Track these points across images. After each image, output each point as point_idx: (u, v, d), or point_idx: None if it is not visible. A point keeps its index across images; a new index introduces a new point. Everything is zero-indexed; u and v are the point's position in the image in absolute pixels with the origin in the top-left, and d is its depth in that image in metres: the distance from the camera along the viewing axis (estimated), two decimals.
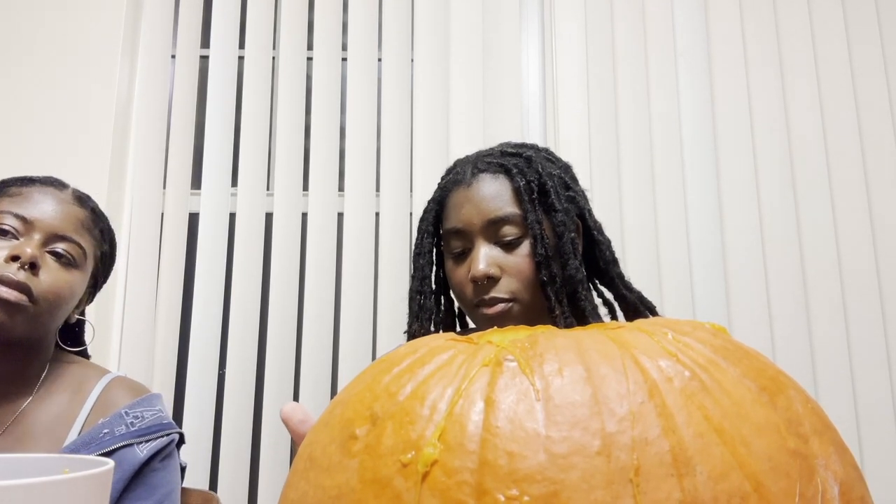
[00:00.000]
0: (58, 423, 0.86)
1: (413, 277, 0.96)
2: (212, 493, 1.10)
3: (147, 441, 0.86)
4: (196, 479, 1.56)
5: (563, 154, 1.02)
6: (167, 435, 0.89)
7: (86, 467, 0.36)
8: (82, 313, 0.98)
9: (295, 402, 0.47)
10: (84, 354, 1.00)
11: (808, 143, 1.80)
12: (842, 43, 1.85)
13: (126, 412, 0.87)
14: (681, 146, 1.79)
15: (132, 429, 0.86)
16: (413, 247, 0.98)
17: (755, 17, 1.86)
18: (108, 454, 0.83)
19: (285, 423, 0.46)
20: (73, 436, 0.85)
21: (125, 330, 1.61)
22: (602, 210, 1.71)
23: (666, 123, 1.80)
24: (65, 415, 0.87)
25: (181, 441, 0.93)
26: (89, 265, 0.90)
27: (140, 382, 0.96)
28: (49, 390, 0.88)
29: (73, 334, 0.97)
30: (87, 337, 1.01)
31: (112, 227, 0.98)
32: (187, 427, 1.59)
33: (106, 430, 0.85)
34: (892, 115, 1.83)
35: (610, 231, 1.00)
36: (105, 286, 1.64)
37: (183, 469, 0.94)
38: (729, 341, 0.35)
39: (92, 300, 0.98)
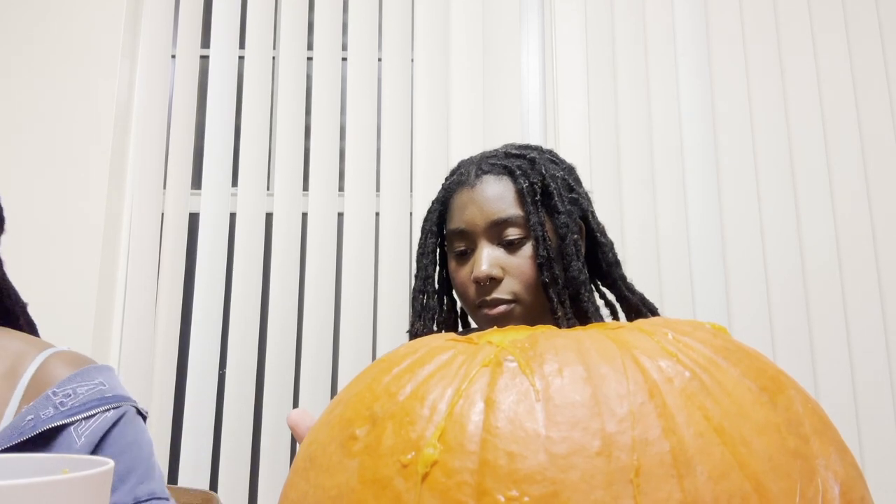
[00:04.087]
0: None
1: (416, 277, 0.96)
2: (212, 493, 1.09)
3: (86, 419, 0.74)
4: (196, 479, 1.56)
5: (563, 154, 1.02)
6: (114, 409, 0.76)
7: (85, 467, 0.36)
8: None
9: (302, 409, 0.47)
10: (24, 314, 0.89)
11: (808, 143, 1.80)
12: (842, 43, 1.85)
13: (54, 391, 0.74)
14: (681, 146, 1.79)
15: (62, 409, 0.73)
16: (415, 247, 0.98)
17: (755, 17, 1.86)
18: (33, 443, 0.71)
19: (293, 429, 0.46)
20: (4, 424, 0.74)
21: (125, 330, 1.60)
22: (602, 210, 1.70)
23: (666, 124, 1.80)
24: None
25: (141, 417, 0.81)
26: None
27: (87, 356, 0.83)
28: None
29: None
30: (47, 321, 0.88)
31: None
32: (187, 427, 1.59)
33: (30, 416, 0.72)
34: (892, 115, 1.83)
35: (610, 231, 1.00)
36: (105, 285, 1.64)
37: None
38: (729, 341, 0.35)
39: None
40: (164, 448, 1.57)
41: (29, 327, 0.89)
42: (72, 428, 0.73)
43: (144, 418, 0.83)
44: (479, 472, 0.28)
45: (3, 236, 0.81)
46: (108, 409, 0.76)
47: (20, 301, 0.89)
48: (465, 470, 0.28)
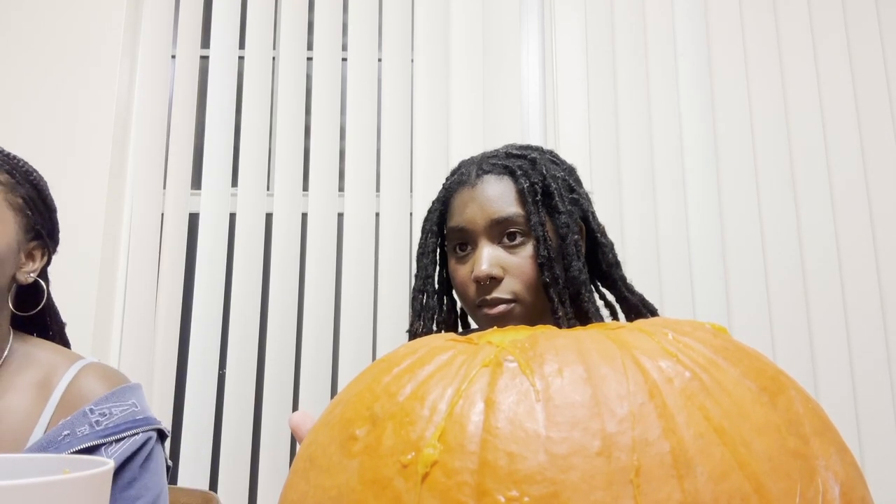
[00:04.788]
0: (20, 421, 0.76)
1: (416, 277, 0.96)
2: (212, 493, 1.10)
3: (117, 441, 0.76)
4: (196, 479, 1.56)
5: (563, 154, 1.02)
6: (143, 432, 0.79)
7: (86, 467, 0.36)
8: (41, 276, 0.85)
9: (303, 411, 0.47)
10: (61, 333, 0.91)
11: (808, 142, 1.80)
12: (842, 43, 1.85)
13: (91, 409, 0.77)
14: (681, 146, 1.79)
15: (97, 428, 0.76)
16: (416, 246, 0.98)
17: (755, 17, 1.86)
18: None
19: (295, 431, 0.46)
20: (36, 436, 0.75)
21: (125, 330, 1.61)
22: (602, 210, 1.71)
23: (666, 123, 1.80)
24: (28, 410, 0.77)
25: (163, 436, 0.84)
26: (7, 215, 0.79)
27: (117, 370, 0.85)
28: (10, 382, 0.78)
29: (33, 300, 0.84)
30: (61, 313, 0.90)
31: (30, 168, 0.83)
32: (187, 427, 1.59)
33: (67, 432, 0.75)
34: (892, 115, 1.83)
35: (610, 232, 1.00)
36: (105, 285, 1.63)
37: (168, 469, 0.85)
38: (729, 341, 0.35)
39: (48, 258, 0.86)
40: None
41: (64, 342, 0.91)
42: (103, 448, 0.75)
43: (165, 437, 0.85)
44: (480, 472, 0.28)
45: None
46: (136, 433, 0.78)
47: (59, 321, 0.91)
48: (465, 470, 0.28)
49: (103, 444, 0.75)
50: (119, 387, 0.81)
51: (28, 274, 0.81)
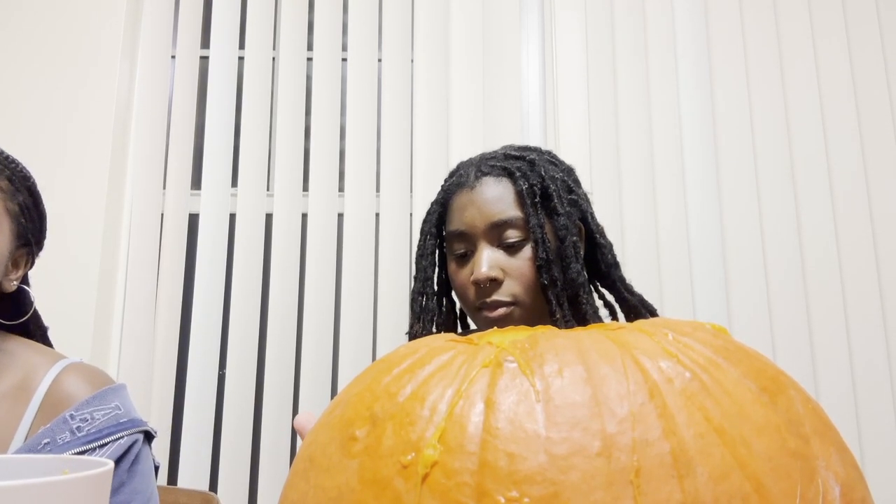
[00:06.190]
0: (0, 427, 0.74)
1: (415, 279, 0.96)
2: (212, 493, 1.10)
3: (101, 446, 0.74)
4: (196, 479, 1.56)
5: (563, 155, 1.02)
6: (128, 435, 0.77)
7: (85, 468, 0.36)
8: (24, 282, 0.83)
9: (308, 412, 0.47)
10: (44, 337, 0.89)
11: (808, 143, 1.80)
12: (842, 43, 1.85)
13: (72, 415, 0.74)
14: (681, 147, 1.79)
15: (79, 435, 0.73)
16: (415, 248, 0.98)
17: (755, 17, 1.86)
18: None
19: (299, 432, 0.46)
20: (16, 444, 0.73)
21: (125, 330, 1.60)
22: (602, 211, 1.71)
23: (666, 124, 1.80)
24: (7, 415, 0.74)
25: (149, 438, 0.82)
26: (3, 224, 0.77)
27: (101, 371, 0.83)
28: None
29: (15, 307, 0.83)
30: (47, 321, 0.89)
31: (27, 173, 0.82)
32: (187, 427, 1.59)
33: (47, 440, 0.72)
34: (892, 115, 1.83)
35: (610, 232, 1.00)
36: (105, 285, 1.63)
37: (156, 469, 0.83)
38: (729, 342, 0.35)
39: (32, 264, 0.84)
40: (164, 448, 1.57)
41: (45, 342, 0.89)
42: (87, 455, 0.72)
43: (153, 438, 0.83)
44: (479, 472, 0.28)
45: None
46: (121, 437, 0.76)
47: (41, 325, 0.90)
48: (465, 471, 0.28)
49: (86, 451, 0.73)
50: (100, 389, 0.78)
51: (12, 282, 0.79)
